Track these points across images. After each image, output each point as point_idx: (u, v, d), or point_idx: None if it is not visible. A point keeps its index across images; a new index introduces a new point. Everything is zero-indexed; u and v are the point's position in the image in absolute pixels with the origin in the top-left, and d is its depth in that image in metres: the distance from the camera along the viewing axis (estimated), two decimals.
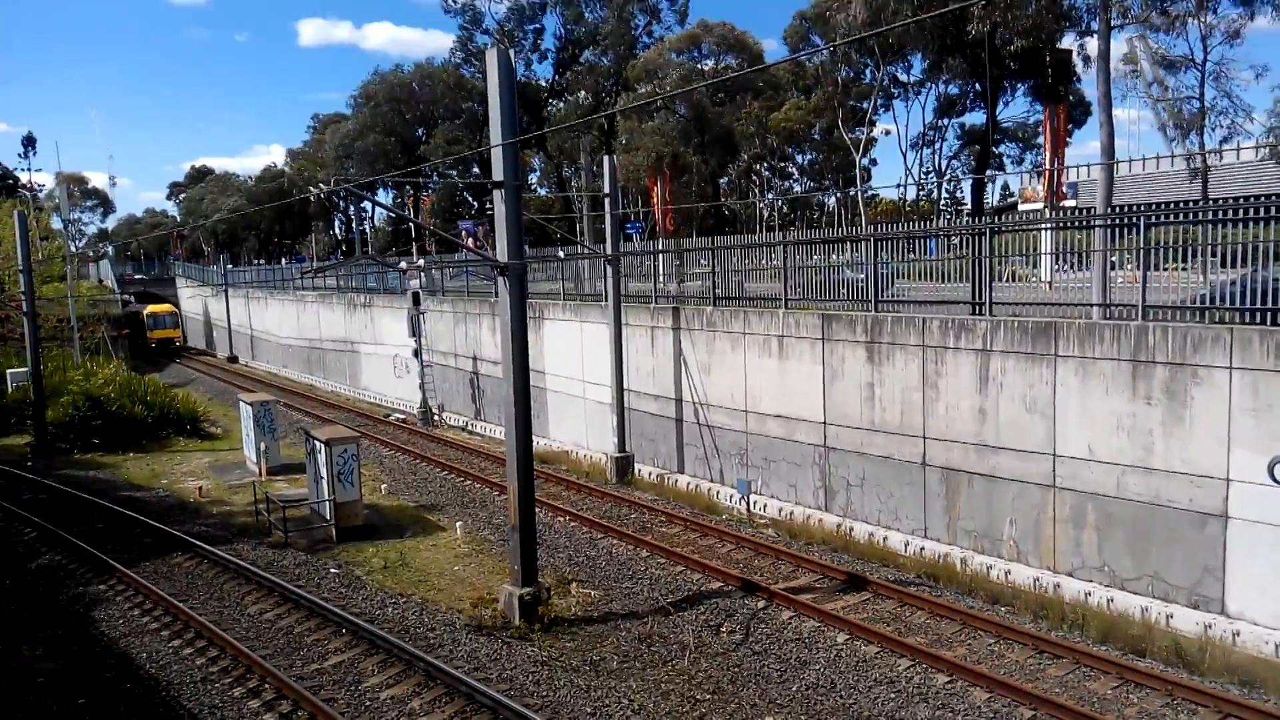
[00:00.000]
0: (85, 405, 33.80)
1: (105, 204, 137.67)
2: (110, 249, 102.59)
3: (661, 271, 27.43)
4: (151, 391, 37.16)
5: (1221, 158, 43.28)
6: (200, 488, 26.44)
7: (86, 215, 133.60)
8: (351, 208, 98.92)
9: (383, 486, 25.79)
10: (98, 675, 14.61)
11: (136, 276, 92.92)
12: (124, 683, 14.33)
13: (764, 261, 23.88)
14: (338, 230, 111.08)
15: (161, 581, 18.54)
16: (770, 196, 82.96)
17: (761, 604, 16.27)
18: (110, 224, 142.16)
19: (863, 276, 20.53)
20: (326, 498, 21.32)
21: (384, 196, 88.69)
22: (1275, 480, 13.24)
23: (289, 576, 18.41)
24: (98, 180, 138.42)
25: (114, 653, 15.49)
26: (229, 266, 77.31)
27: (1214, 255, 15.32)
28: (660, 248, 30.81)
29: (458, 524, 21.77)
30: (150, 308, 69.37)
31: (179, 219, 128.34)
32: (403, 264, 25.34)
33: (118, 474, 29.46)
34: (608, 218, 26.48)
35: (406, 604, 16.97)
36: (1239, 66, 38.86)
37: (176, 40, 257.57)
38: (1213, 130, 38.75)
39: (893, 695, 13.00)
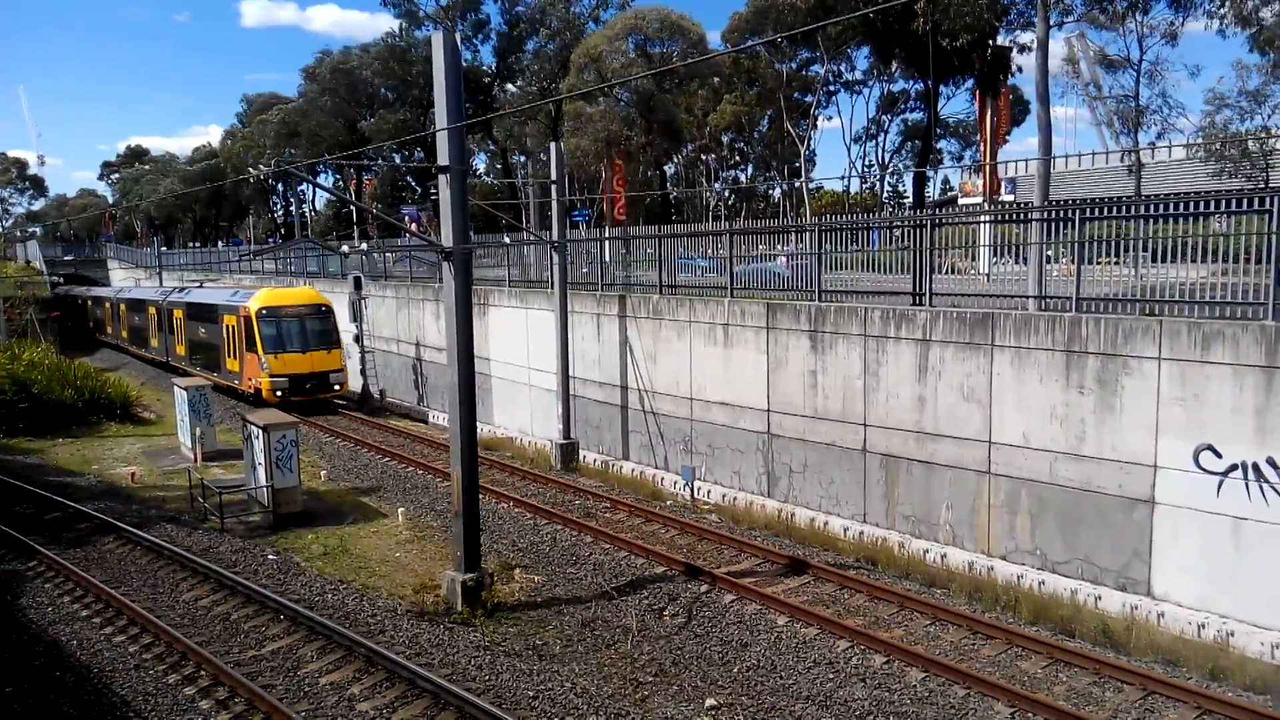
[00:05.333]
0: (11, 389, 32.74)
1: (36, 185, 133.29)
2: (39, 230, 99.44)
3: (609, 258, 27.39)
4: (82, 375, 36.10)
5: (1154, 155, 44.53)
6: (133, 473, 25.81)
7: (16, 196, 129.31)
8: (290, 191, 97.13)
9: (322, 473, 25.44)
10: (26, 664, 14.22)
11: (66, 258, 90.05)
12: (54, 670, 13.96)
13: (710, 250, 24.00)
14: (277, 214, 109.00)
15: (93, 568, 18.09)
16: (717, 186, 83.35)
17: (704, 588, 16.41)
18: (41, 205, 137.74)
19: (787, 273, 21.31)
20: (264, 484, 20.98)
21: (326, 180, 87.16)
22: (1200, 467, 13.78)
23: (225, 563, 18.09)
24: (26, 159, 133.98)
25: (43, 640, 15.08)
26: (163, 249, 75.36)
27: (1145, 250, 15.78)
28: (607, 235, 30.76)
29: (399, 510, 21.57)
30: (266, 297, 34.51)
31: (112, 200, 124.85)
32: (344, 248, 25.03)
33: (46, 459, 28.63)
34: (554, 204, 26.37)
35: (347, 590, 16.78)
36: (1173, 66, 40.02)
37: (113, 18, 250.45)
38: (1148, 128, 39.88)
39: (831, 676, 13.22)
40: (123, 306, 55.34)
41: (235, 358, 35.52)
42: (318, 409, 33.80)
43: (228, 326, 36.02)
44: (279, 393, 32.81)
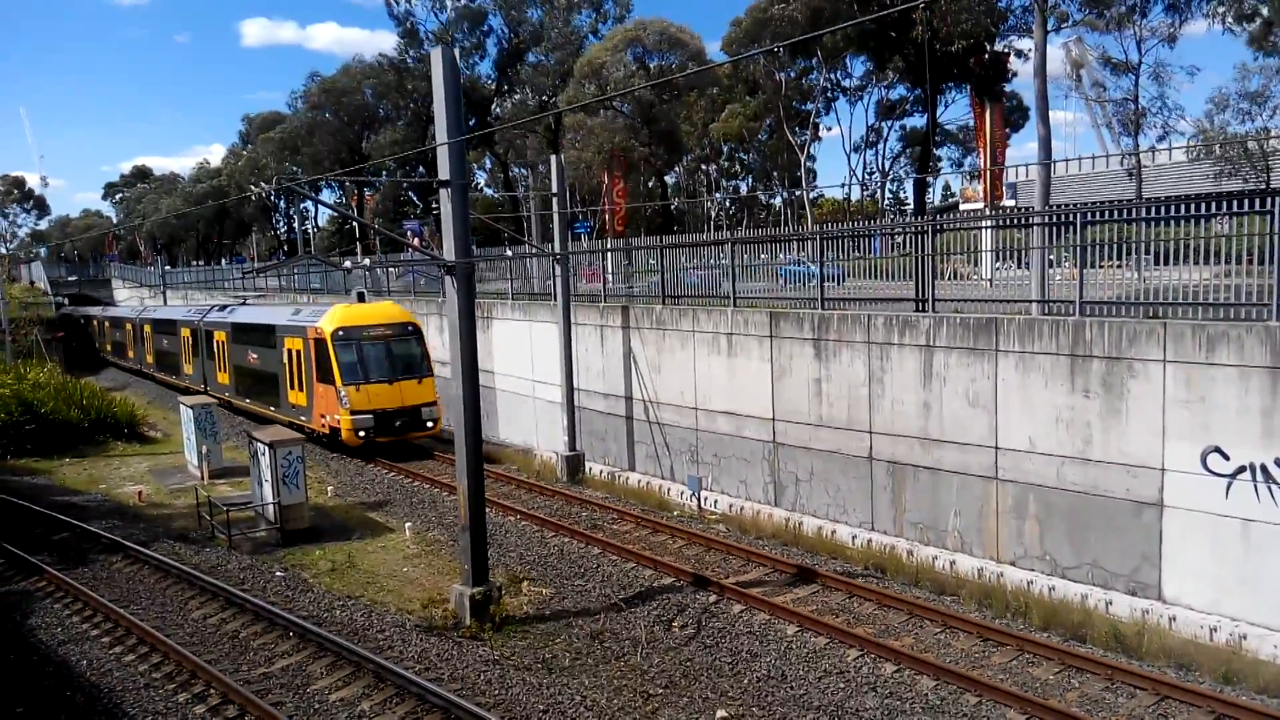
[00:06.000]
0: (17, 409, 32.80)
1: (40, 205, 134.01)
2: (43, 250, 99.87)
3: (611, 270, 27.47)
4: (88, 395, 36.20)
5: (1155, 158, 44.56)
6: (140, 492, 25.84)
7: (23, 215, 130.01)
8: (293, 208, 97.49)
9: (329, 488, 25.44)
10: (36, 684, 14.22)
11: (70, 278, 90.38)
12: (64, 691, 13.96)
13: (712, 260, 24.03)
14: (280, 231, 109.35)
15: (101, 587, 18.10)
16: (718, 196, 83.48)
17: (713, 598, 16.38)
18: (45, 225, 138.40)
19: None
20: (271, 500, 20.99)
21: (328, 196, 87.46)
22: (1208, 469, 13.75)
23: (233, 580, 18.09)
24: (29, 181, 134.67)
25: (53, 660, 15.07)
26: (166, 268, 75.61)
27: (1148, 253, 15.78)
28: (609, 246, 30.83)
29: (406, 525, 21.57)
30: (343, 315, 28.83)
31: (116, 220, 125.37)
32: (347, 263, 25.07)
33: (53, 479, 28.66)
34: (555, 217, 26.46)
35: (355, 606, 16.77)
36: (1173, 69, 40.09)
37: (115, 40, 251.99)
38: (1147, 131, 39.94)
39: (842, 685, 13.18)
40: (147, 328, 50.53)
41: (301, 389, 29.82)
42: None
43: (291, 352, 30.29)
44: (363, 433, 27.32)
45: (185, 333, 42.61)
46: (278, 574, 18.64)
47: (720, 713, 12.53)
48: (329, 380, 27.75)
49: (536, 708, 12.76)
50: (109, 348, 60.64)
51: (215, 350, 37.94)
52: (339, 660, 14.25)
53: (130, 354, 54.90)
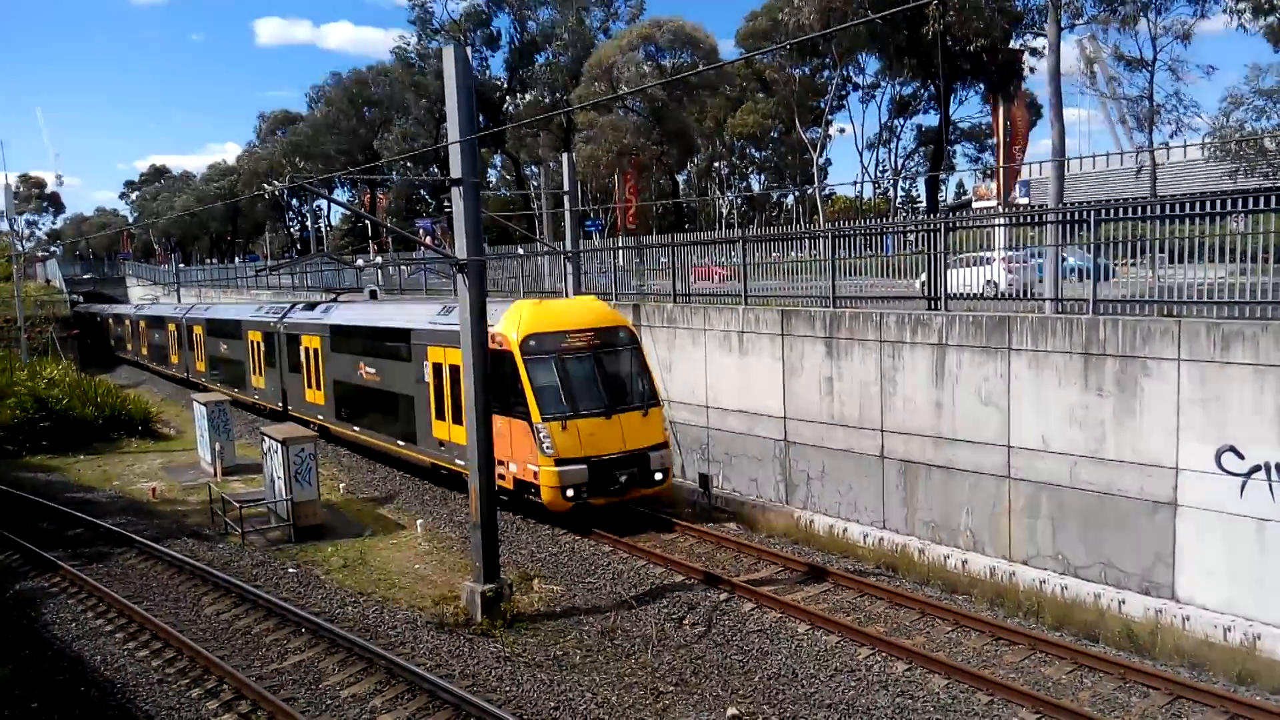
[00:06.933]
0: (33, 406, 33.06)
1: (56, 204, 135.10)
2: (59, 249, 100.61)
3: (622, 268, 27.45)
4: (102, 392, 36.51)
5: (1169, 155, 44.30)
6: (154, 489, 26.00)
7: (44, 215, 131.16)
8: (306, 207, 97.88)
9: (341, 485, 25.54)
10: (51, 679, 14.32)
11: (85, 276, 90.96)
12: (78, 686, 14.06)
13: (723, 258, 24.03)
14: (293, 229, 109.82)
15: (115, 583, 18.21)
16: (730, 194, 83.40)
17: (724, 596, 16.36)
18: (60, 224, 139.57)
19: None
20: (283, 497, 21.08)
21: (341, 195, 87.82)
22: (1222, 469, 13.66)
23: (246, 576, 18.17)
24: (48, 181, 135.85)
25: (67, 656, 15.19)
26: (180, 265, 76.06)
27: (1162, 251, 15.68)
28: (620, 244, 30.82)
29: (418, 522, 21.62)
30: (532, 316, 20.19)
31: (130, 218, 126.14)
32: (360, 261, 25.15)
33: (68, 476, 28.87)
34: (567, 215, 26.50)
35: (367, 602, 16.83)
36: (1187, 66, 39.90)
37: (131, 40, 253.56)
38: (1161, 127, 39.74)
39: (853, 684, 13.15)
40: (198, 330, 43.07)
41: (454, 420, 21.28)
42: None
43: (435, 368, 22.31)
44: (572, 491, 18.94)
45: (254, 337, 35.48)
46: (290, 570, 18.73)
47: (731, 710, 12.52)
48: (517, 411, 19.29)
49: (547, 705, 12.78)
50: (144, 351, 54.78)
51: (305, 360, 30.71)
52: (351, 656, 14.31)
53: (173, 359, 48.43)
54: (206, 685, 13.79)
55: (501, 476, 19.49)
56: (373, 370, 26.12)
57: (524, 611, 16.06)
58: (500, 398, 18.69)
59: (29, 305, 55.38)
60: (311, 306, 32.70)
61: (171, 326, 48.25)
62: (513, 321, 19.90)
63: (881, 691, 12.89)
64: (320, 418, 29.67)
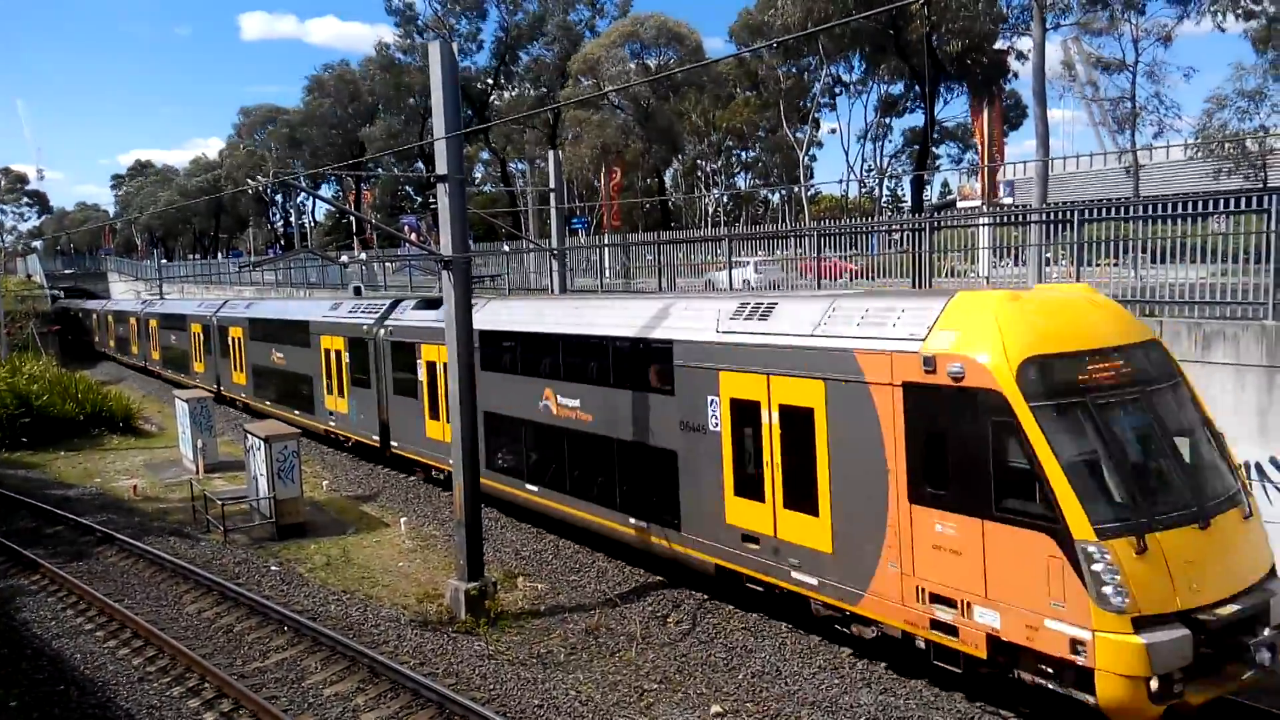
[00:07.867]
0: (12, 402, 32.77)
1: (41, 201, 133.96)
2: (39, 244, 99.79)
3: (607, 266, 27.44)
4: (83, 389, 36.21)
5: (1152, 155, 44.60)
6: (135, 486, 25.83)
7: (25, 210, 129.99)
8: (290, 202, 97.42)
9: (324, 483, 25.44)
10: (30, 678, 14.19)
11: (66, 271, 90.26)
12: (57, 684, 13.94)
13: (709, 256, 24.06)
14: (277, 225, 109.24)
15: (95, 581, 18.07)
16: (715, 193, 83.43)
17: (707, 595, 16.36)
18: (41, 221, 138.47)
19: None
20: (266, 495, 20.97)
21: (326, 191, 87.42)
22: None
23: (228, 574, 18.07)
24: (30, 175, 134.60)
25: (47, 654, 15.06)
26: (163, 261, 75.53)
27: (1144, 251, 15.77)
28: (606, 242, 30.80)
29: (402, 520, 21.55)
30: (1032, 320, 10.46)
31: (112, 213, 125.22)
32: (344, 258, 24.99)
33: (48, 473, 28.64)
34: (553, 212, 26.45)
35: (350, 600, 16.76)
36: (1168, 69, 40.22)
37: (114, 33, 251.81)
38: (1143, 129, 40.03)
39: (837, 681, 13.16)
40: (235, 333, 35.98)
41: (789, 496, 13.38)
42: None
43: (757, 422, 13.67)
44: (1160, 683, 9.21)
45: (332, 344, 27.86)
46: (273, 568, 18.63)
47: (715, 708, 12.53)
48: (1009, 507, 10.26)
49: (531, 702, 12.75)
50: (154, 356, 49.51)
51: (423, 379, 22.89)
52: (334, 655, 14.24)
53: (197, 367, 41.69)
54: (188, 684, 13.69)
55: (947, 628, 11.10)
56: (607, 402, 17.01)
57: (508, 609, 16.03)
58: (965, 479, 10.64)
59: (9, 300, 54.85)
60: (396, 304, 25.62)
61: (196, 328, 40.88)
62: (984, 331, 10.59)
63: (865, 689, 12.90)
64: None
